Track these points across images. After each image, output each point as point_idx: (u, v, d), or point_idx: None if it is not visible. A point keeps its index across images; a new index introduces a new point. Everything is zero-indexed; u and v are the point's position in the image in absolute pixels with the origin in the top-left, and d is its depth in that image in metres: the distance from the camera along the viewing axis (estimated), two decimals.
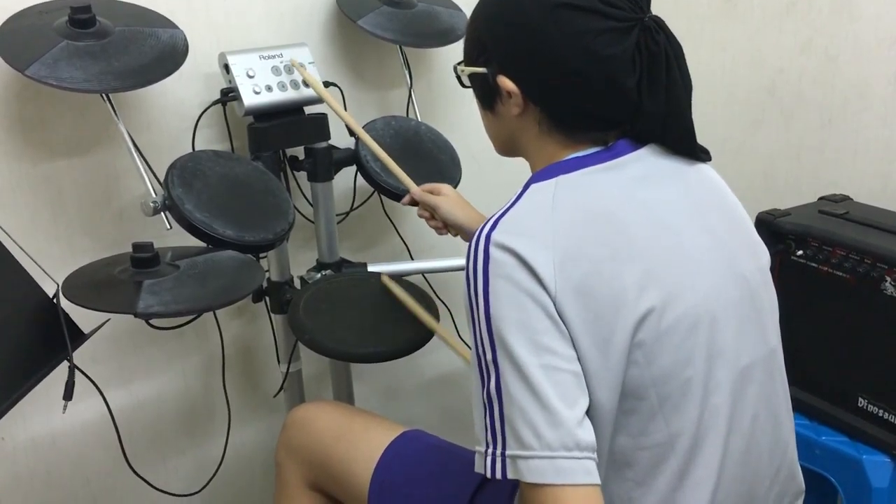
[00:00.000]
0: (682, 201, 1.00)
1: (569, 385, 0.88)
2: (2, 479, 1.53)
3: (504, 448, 0.89)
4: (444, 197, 1.46)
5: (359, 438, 1.32)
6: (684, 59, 0.98)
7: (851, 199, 1.62)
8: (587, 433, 0.88)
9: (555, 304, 0.88)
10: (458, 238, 1.48)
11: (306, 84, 1.57)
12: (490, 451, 0.90)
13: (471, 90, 1.10)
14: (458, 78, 1.09)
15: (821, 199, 1.64)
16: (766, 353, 1.02)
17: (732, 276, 0.99)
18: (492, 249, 0.91)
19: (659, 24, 0.96)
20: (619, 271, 0.91)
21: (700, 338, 0.94)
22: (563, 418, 0.86)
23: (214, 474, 1.69)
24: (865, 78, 1.66)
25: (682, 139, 1.01)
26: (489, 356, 0.90)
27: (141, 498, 1.65)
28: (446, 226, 1.47)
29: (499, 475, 0.89)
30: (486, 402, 0.91)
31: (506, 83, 0.99)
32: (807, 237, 1.51)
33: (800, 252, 1.53)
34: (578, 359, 0.89)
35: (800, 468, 1.11)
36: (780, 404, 1.05)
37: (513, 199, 0.97)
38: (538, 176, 1.00)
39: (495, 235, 0.91)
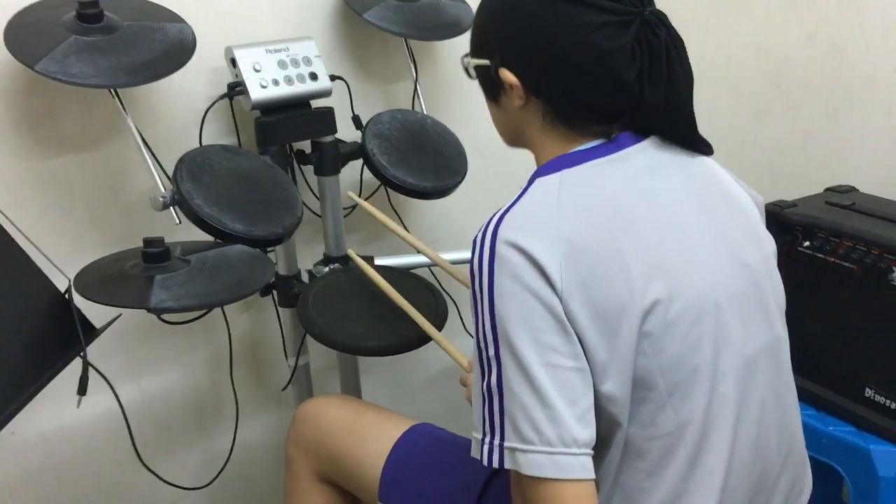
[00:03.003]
0: (685, 192, 1.01)
1: (570, 383, 0.89)
2: (13, 473, 1.53)
3: (503, 439, 0.91)
4: None
5: (369, 432, 1.32)
6: (685, 52, 0.99)
7: (857, 190, 1.63)
8: (585, 430, 0.90)
9: (561, 301, 0.89)
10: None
11: (314, 77, 1.57)
12: (488, 440, 0.92)
13: (477, 82, 1.11)
14: (466, 69, 1.10)
15: (827, 190, 1.65)
16: (771, 341, 1.03)
17: (737, 266, 1.00)
18: (498, 246, 0.91)
19: (660, 18, 0.96)
20: (626, 263, 0.91)
21: (706, 327, 0.95)
22: (563, 416, 0.88)
23: (223, 468, 1.69)
24: (871, 69, 1.67)
25: (684, 131, 1.02)
26: (491, 351, 0.91)
27: (151, 491, 1.65)
28: None
29: (496, 464, 0.92)
30: (485, 393, 0.93)
31: (507, 76, 1.00)
32: (814, 228, 1.52)
33: (807, 243, 1.53)
34: (586, 352, 0.90)
35: (807, 456, 1.13)
36: (786, 392, 1.06)
37: (518, 194, 0.98)
38: (543, 170, 1.00)
39: (501, 231, 0.92)
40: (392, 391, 2.04)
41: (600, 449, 0.95)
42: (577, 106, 0.99)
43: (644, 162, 1.00)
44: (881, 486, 1.46)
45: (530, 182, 0.99)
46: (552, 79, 0.98)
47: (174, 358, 1.69)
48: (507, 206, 0.96)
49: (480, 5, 1.06)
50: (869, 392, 1.48)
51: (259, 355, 1.81)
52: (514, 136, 1.10)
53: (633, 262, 0.92)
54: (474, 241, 0.94)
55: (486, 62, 1.04)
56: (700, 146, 1.04)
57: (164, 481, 1.52)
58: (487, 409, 0.92)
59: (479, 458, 0.94)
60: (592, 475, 0.90)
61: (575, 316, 0.89)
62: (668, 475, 0.95)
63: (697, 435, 0.95)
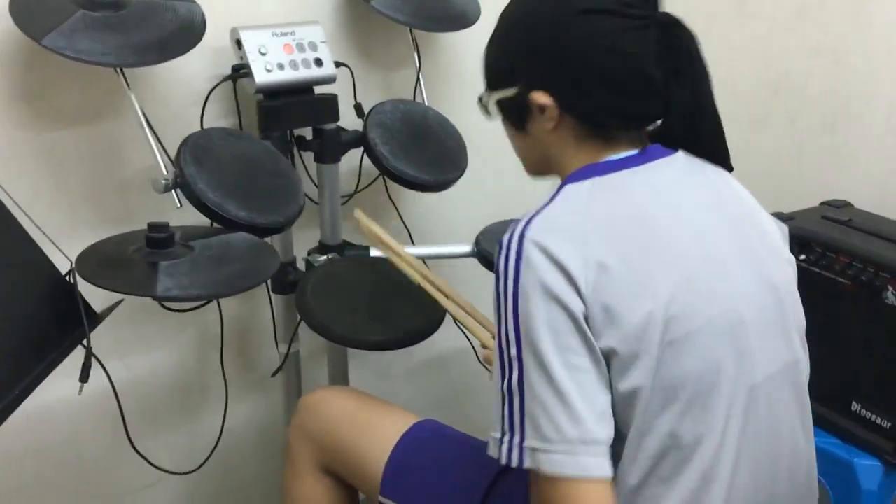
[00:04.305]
0: (713, 207, 1.02)
1: (589, 383, 0.91)
2: None
3: (522, 439, 0.92)
4: None
5: (374, 425, 1.32)
6: (701, 54, 1.01)
7: (852, 206, 1.65)
8: (605, 430, 0.91)
9: (584, 305, 0.90)
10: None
11: (319, 63, 1.55)
12: (507, 438, 0.93)
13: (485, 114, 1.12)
14: (485, 107, 1.10)
15: (822, 203, 1.66)
16: (790, 362, 1.03)
17: (763, 284, 1.00)
18: (526, 247, 0.92)
19: (674, 20, 0.99)
20: (651, 274, 0.92)
21: (728, 342, 0.95)
22: (583, 416, 0.89)
23: (212, 452, 1.67)
24: (872, 85, 1.68)
25: (713, 135, 1.04)
26: (513, 351, 0.92)
27: (135, 474, 1.64)
28: None
29: (514, 463, 0.92)
30: (505, 393, 0.93)
31: (539, 98, 1.01)
32: (811, 242, 1.53)
33: (802, 256, 1.55)
34: (607, 356, 0.91)
35: (817, 486, 1.13)
36: (802, 415, 1.06)
37: (547, 199, 0.99)
38: (573, 177, 1.01)
39: (529, 233, 0.93)
40: (377, 380, 2.03)
41: (620, 450, 0.96)
42: (610, 112, 1.00)
43: (673, 175, 1.02)
44: (863, 499, 1.48)
45: (559, 188, 1.00)
46: (584, 90, 1.00)
47: (162, 339, 1.67)
48: (537, 209, 0.97)
49: (494, 37, 1.08)
50: (855, 406, 1.51)
51: (248, 340, 1.79)
52: (541, 163, 1.10)
53: (658, 272, 0.93)
54: (500, 242, 0.95)
55: (510, 92, 1.04)
56: (726, 156, 1.06)
57: (155, 466, 1.50)
58: (507, 409, 0.93)
59: (496, 456, 0.94)
60: (610, 474, 0.91)
61: (596, 321, 0.90)
62: (682, 484, 0.95)
63: (713, 448, 0.95)
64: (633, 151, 1.02)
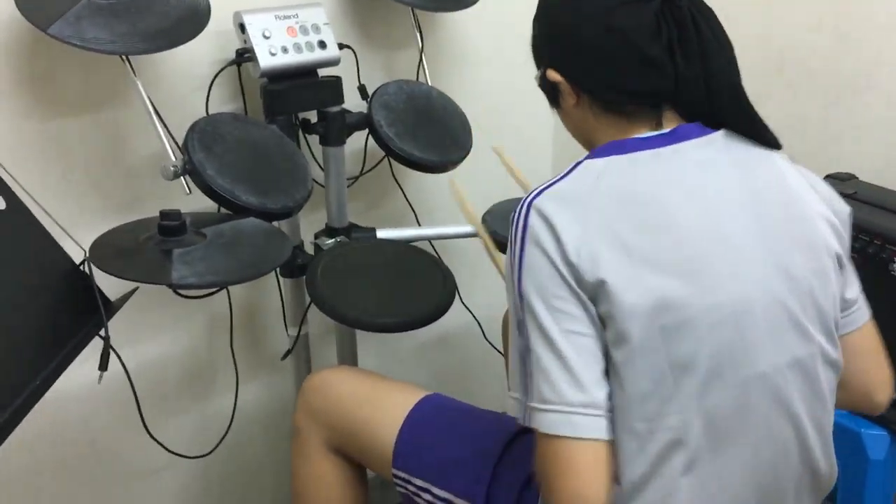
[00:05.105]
0: (738, 191, 0.99)
1: (587, 347, 0.94)
2: (9, 438, 1.51)
3: (528, 399, 0.96)
4: None
5: (382, 402, 1.34)
6: (717, 21, 1.00)
7: (857, 178, 1.65)
8: (602, 391, 0.94)
9: (579, 272, 0.93)
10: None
11: (322, 45, 1.54)
12: (522, 399, 0.97)
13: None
14: (539, 84, 1.11)
15: (827, 177, 1.66)
16: (804, 356, 0.99)
17: (780, 274, 0.97)
18: (531, 215, 0.96)
19: None
20: (652, 255, 0.93)
21: (731, 329, 0.94)
22: (583, 379, 0.93)
23: (224, 437, 1.69)
24: (874, 58, 1.68)
25: (735, 115, 1.01)
26: (521, 317, 0.96)
27: (148, 458, 1.65)
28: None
29: (524, 422, 0.97)
30: (522, 355, 0.97)
31: (553, 75, 1.05)
32: None
33: None
34: (604, 319, 0.94)
35: (826, 468, 1.08)
36: (818, 410, 1.03)
37: (563, 173, 1.01)
38: (594, 153, 1.02)
39: (536, 202, 0.96)
40: (384, 360, 2.04)
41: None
42: (618, 91, 1.01)
43: (699, 156, 0.99)
44: (869, 468, 1.50)
45: (578, 163, 1.01)
46: (585, 68, 1.02)
47: (172, 324, 1.67)
48: (549, 182, 0.99)
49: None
50: None
51: (257, 324, 1.80)
52: (582, 139, 1.11)
53: (660, 254, 0.93)
54: (512, 214, 0.98)
55: (540, 71, 1.08)
56: (764, 133, 1.02)
57: (169, 450, 1.52)
58: (521, 371, 0.97)
59: (515, 415, 0.98)
60: (606, 436, 0.94)
61: (591, 290, 0.93)
62: (669, 468, 0.96)
63: (702, 437, 0.95)
64: (661, 130, 1.01)
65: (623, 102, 1.02)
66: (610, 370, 0.95)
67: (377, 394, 1.36)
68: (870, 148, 1.72)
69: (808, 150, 1.81)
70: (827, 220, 1.03)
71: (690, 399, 0.94)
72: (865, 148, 1.72)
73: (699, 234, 0.96)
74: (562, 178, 0.99)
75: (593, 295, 0.93)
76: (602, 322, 0.94)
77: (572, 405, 0.92)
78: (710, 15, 0.99)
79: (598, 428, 0.93)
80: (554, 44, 1.05)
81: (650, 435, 0.95)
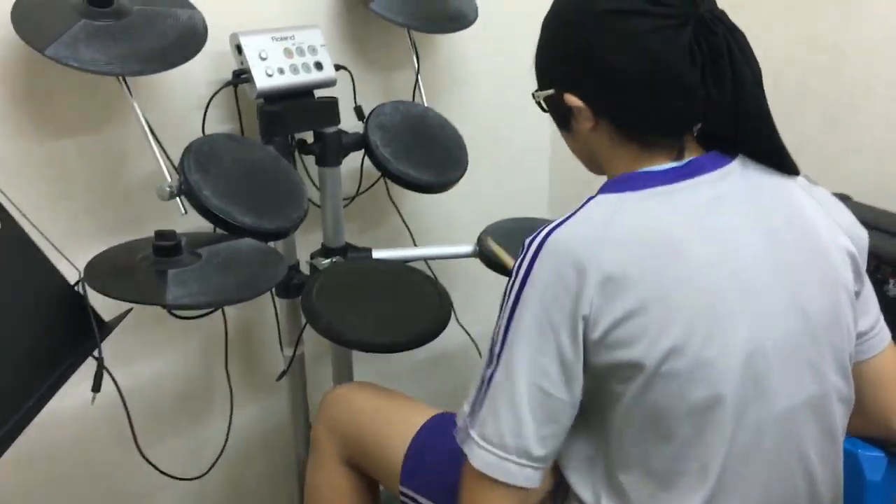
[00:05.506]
0: (753, 227, 0.97)
1: (549, 408, 0.94)
2: (2, 458, 1.50)
3: (471, 426, 0.98)
4: None
5: (393, 418, 1.35)
6: (748, 46, 0.97)
7: (852, 199, 1.65)
8: (542, 450, 0.95)
9: (585, 324, 0.91)
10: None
11: (319, 66, 1.55)
12: (468, 419, 0.99)
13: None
14: (539, 103, 1.09)
15: None
16: (817, 395, 0.98)
17: (794, 311, 0.96)
18: (540, 257, 0.93)
19: (717, 16, 0.95)
20: (664, 300, 0.90)
21: (741, 373, 0.92)
22: (527, 431, 0.93)
23: (218, 457, 1.68)
24: (871, 77, 1.69)
25: (765, 138, 0.99)
26: (497, 348, 0.96)
27: (143, 480, 1.63)
28: None
29: (458, 441, 0.99)
30: (482, 380, 0.98)
31: (571, 100, 1.00)
32: None
33: None
34: (602, 371, 0.93)
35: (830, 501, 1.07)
36: (829, 451, 1.02)
37: (574, 210, 0.98)
38: (606, 187, 1.00)
39: (548, 241, 0.94)
40: (380, 380, 2.03)
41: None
42: (644, 116, 0.98)
43: (714, 192, 0.96)
44: (867, 490, 1.49)
45: (589, 199, 0.98)
46: (612, 93, 0.98)
47: (166, 345, 1.67)
48: (564, 217, 0.96)
49: (539, 37, 1.07)
50: None
51: (252, 344, 1.79)
52: (592, 162, 1.09)
53: (673, 299, 0.91)
54: (523, 243, 0.96)
55: (549, 92, 1.04)
56: (785, 160, 1.00)
57: (163, 473, 1.51)
58: (477, 394, 0.98)
59: (457, 426, 1.01)
60: (534, 486, 0.96)
61: (596, 338, 0.91)
62: None
63: (714, 480, 0.94)
64: (675, 164, 0.98)
65: (647, 130, 0.99)
66: (620, 411, 0.94)
67: (390, 410, 1.38)
68: (865, 168, 1.73)
69: (804, 171, 1.82)
70: (844, 251, 1.01)
71: (706, 443, 0.93)
72: (861, 169, 1.73)
73: (711, 282, 0.93)
74: (574, 214, 0.97)
75: (598, 343, 0.91)
76: (596, 367, 0.93)
77: (509, 452, 0.94)
78: (742, 41, 0.96)
79: (529, 478, 0.95)
80: (576, 66, 0.99)
81: (668, 476, 0.95)
